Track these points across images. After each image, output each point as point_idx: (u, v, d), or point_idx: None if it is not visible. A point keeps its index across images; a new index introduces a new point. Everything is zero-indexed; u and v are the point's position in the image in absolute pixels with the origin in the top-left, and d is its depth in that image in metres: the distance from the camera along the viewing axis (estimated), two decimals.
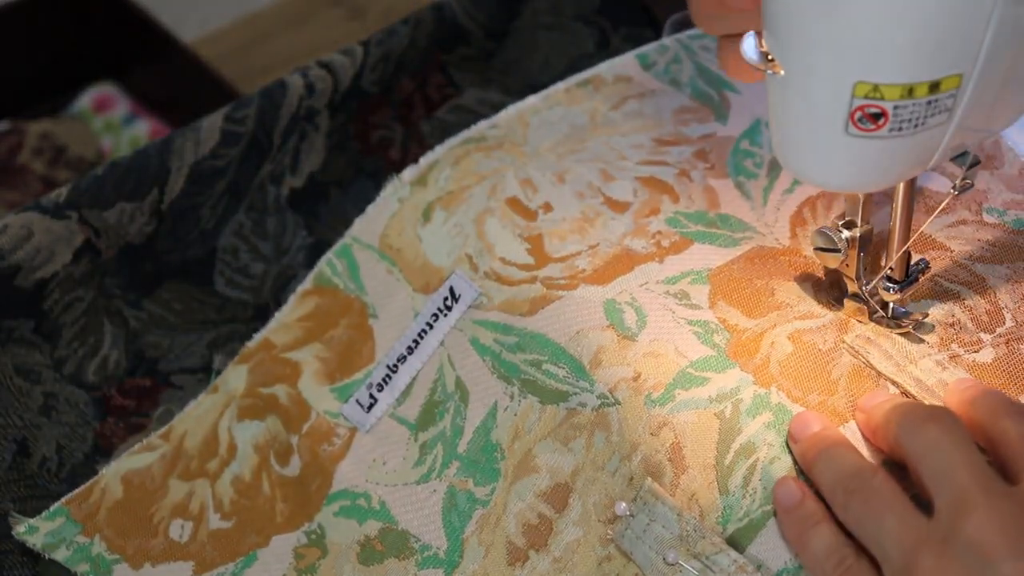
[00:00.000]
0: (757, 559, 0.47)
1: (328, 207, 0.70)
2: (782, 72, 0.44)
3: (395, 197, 0.63)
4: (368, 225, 0.63)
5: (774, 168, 0.60)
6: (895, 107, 0.42)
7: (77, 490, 0.58)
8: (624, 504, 0.49)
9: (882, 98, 0.42)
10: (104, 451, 0.61)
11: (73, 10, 1.25)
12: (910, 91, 0.41)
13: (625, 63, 0.67)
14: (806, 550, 0.45)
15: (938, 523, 0.41)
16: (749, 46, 0.45)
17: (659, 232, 0.57)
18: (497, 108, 0.67)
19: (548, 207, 0.60)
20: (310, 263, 0.65)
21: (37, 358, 0.61)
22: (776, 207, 0.58)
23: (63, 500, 0.58)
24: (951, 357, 0.50)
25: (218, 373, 0.63)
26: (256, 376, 0.62)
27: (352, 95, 0.69)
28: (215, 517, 0.58)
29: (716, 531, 0.47)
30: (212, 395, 0.62)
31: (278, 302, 0.66)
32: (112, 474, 0.59)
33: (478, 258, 0.58)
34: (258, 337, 0.63)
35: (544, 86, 0.68)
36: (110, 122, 1.27)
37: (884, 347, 0.51)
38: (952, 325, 0.51)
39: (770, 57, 0.44)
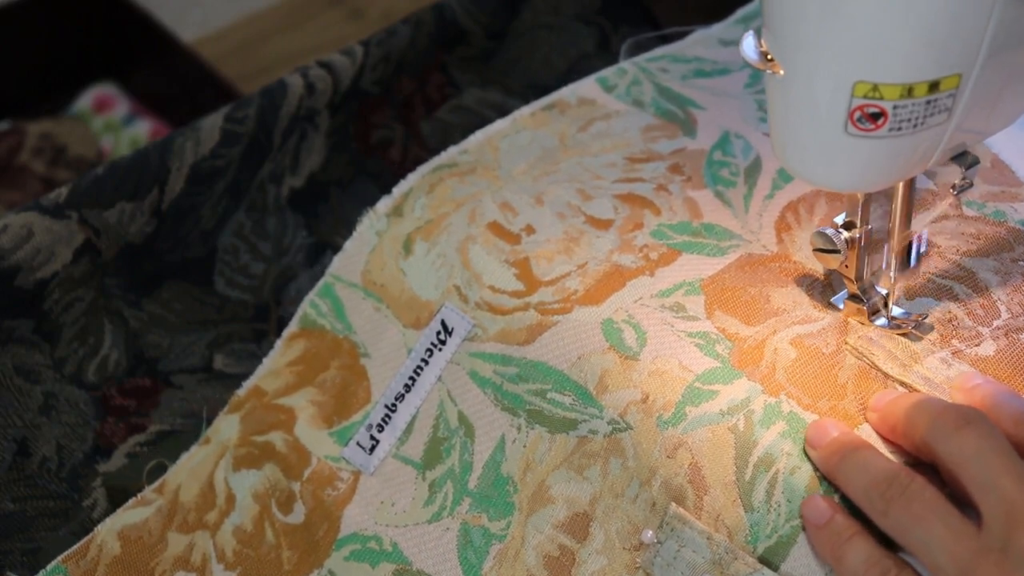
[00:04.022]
0: None
1: (328, 207, 0.70)
2: (782, 72, 0.44)
3: (372, 230, 0.62)
4: (348, 262, 0.62)
5: (750, 175, 0.60)
6: (894, 107, 0.42)
7: (73, 547, 0.57)
8: (651, 532, 0.48)
9: (881, 98, 0.42)
10: (104, 451, 0.61)
11: (73, 10, 1.25)
12: (909, 91, 0.41)
13: (586, 86, 0.67)
14: (842, 565, 0.44)
15: (990, 534, 0.41)
16: (749, 46, 0.45)
17: (646, 245, 0.56)
18: (497, 108, 0.67)
19: (530, 229, 0.59)
20: (310, 263, 0.65)
21: (37, 358, 0.61)
22: (759, 213, 0.58)
23: (60, 558, 0.56)
24: (954, 353, 0.50)
25: (221, 374, 0.63)
26: (248, 425, 0.60)
27: (352, 95, 0.69)
28: (219, 567, 0.57)
29: (747, 550, 0.47)
30: (204, 447, 0.60)
31: (278, 302, 0.66)
32: (107, 530, 0.58)
33: (467, 289, 0.57)
34: (247, 385, 0.62)
35: (544, 86, 0.68)
36: (110, 122, 1.27)
37: (887, 347, 0.51)
38: (950, 321, 0.51)
39: (770, 57, 0.44)
